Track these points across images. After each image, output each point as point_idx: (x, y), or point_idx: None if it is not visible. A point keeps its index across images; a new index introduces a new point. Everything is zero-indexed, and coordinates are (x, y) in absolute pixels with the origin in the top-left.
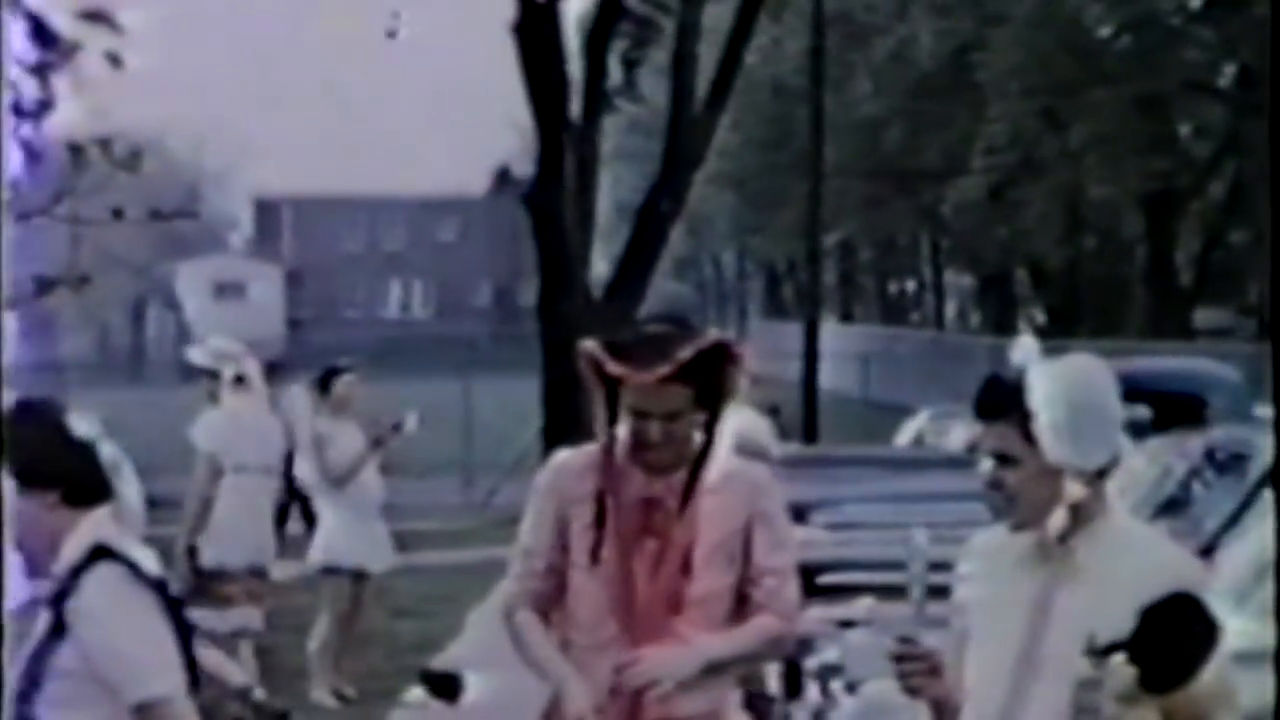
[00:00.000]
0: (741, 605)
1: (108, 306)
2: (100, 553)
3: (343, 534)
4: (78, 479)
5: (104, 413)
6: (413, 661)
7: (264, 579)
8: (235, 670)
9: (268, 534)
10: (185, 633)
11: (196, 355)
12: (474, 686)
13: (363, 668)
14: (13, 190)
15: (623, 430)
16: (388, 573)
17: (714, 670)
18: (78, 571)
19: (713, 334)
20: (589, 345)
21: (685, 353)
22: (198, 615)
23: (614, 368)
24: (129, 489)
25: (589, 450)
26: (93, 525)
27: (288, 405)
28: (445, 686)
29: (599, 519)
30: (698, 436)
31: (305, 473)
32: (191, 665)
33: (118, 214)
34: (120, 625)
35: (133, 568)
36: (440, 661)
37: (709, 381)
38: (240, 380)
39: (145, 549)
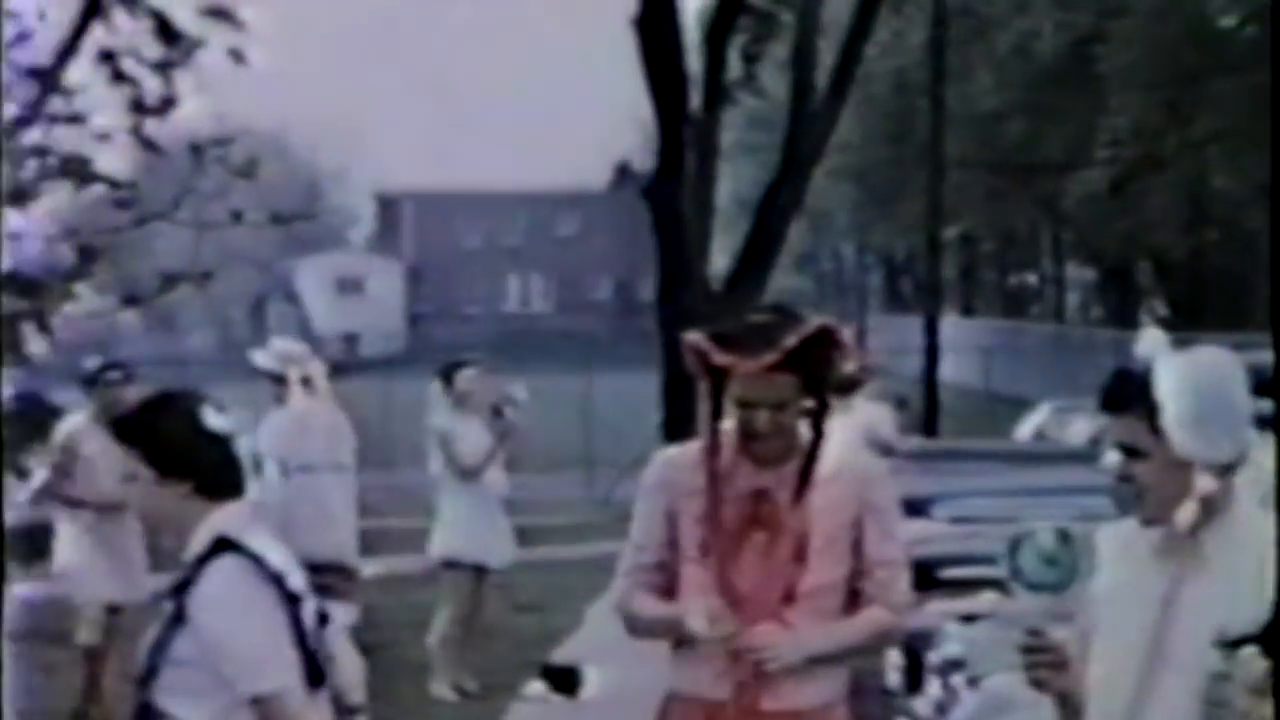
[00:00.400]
0: (853, 598)
1: (229, 303)
2: (223, 545)
3: (463, 528)
4: (210, 471)
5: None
6: (534, 656)
7: (349, 576)
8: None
9: (346, 531)
10: (304, 629)
11: (260, 359)
12: (594, 680)
13: (484, 662)
14: (134, 191)
15: (730, 423)
16: (509, 567)
17: (824, 661)
18: (201, 562)
19: (817, 320)
20: (694, 337)
21: (791, 340)
22: None
23: (720, 358)
24: (267, 483)
25: (697, 445)
26: (222, 517)
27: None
28: (566, 680)
29: (709, 512)
30: (805, 428)
31: (434, 467)
32: (312, 660)
33: (237, 217)
34: (237, 618)
35: (256, 561)
36: (561, 656)
37: (815, 369)
38: (306, 382)
39: (276, 543)
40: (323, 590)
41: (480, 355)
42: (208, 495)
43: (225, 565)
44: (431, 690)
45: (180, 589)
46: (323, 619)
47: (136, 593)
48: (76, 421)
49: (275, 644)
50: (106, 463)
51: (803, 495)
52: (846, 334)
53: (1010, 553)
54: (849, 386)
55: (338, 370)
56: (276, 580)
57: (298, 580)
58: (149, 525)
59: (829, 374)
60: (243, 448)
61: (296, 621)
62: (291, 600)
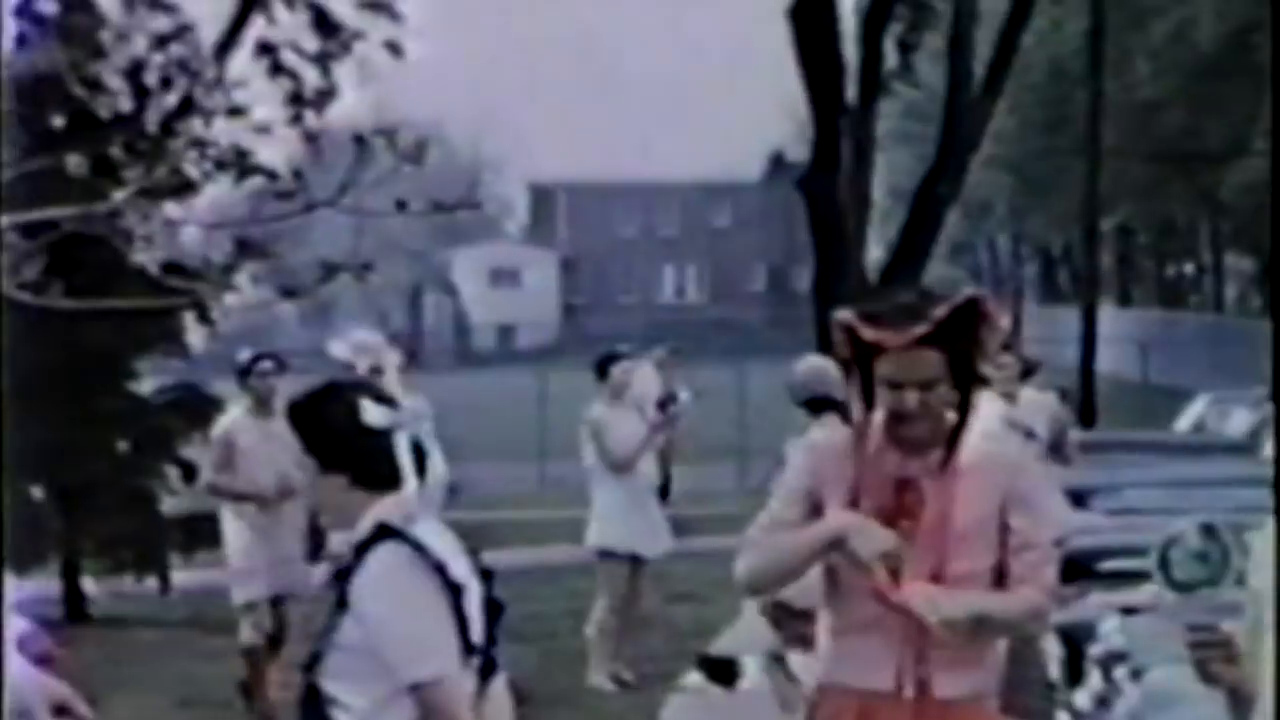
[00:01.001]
0: (999, 582)
1: (386, 293)
2: (384, 532)
3: (618, 519)
4: (367, 464)
5: None
6: (690, 646)
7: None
8: None
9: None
10: (466, 617)
11: (336, 348)
12: (752, 672)
13: (641, 652)
14: (299, 183)
15: (878, 413)
16: (665, 557)
17: (979, 645)
18: (362, 550)
19: (966, 291)
20: (843, 314)
21: (940, 311)
22: None
23: (868, 333)
24: (433, 473)
25: (845, 432)
26: (383, 508)
27: (637, 382)
28: (723, 671)
29: (855, 499)
30: (951, 417)
31: (587, 458)
32: (470, 647)
33: (401, 206)
34: (396, 605)
35: (418, 549)
36: (718, 646)
37: (964, 346)
38: (376, 371)
39: (442, 532)
40: None
41: (635, 348)
42: (367, 486)
43: (385, 553)
44: (589, 679)
45: (343, 575)
46: (494, 608)
47: (300, 584)
48: (234, 414)
49: (435, 631)
50: (262, 455)
51: (948, 483)
52: (995, 307)
53: (1161, 558)
54: (1026, 373)
55: (489, 361)
56: (439, 569)
57: (461, 569)
58: (319, 512)
59: (977, 352)
60: (405, 439)
61: (458, 610)
62: (454, 589)
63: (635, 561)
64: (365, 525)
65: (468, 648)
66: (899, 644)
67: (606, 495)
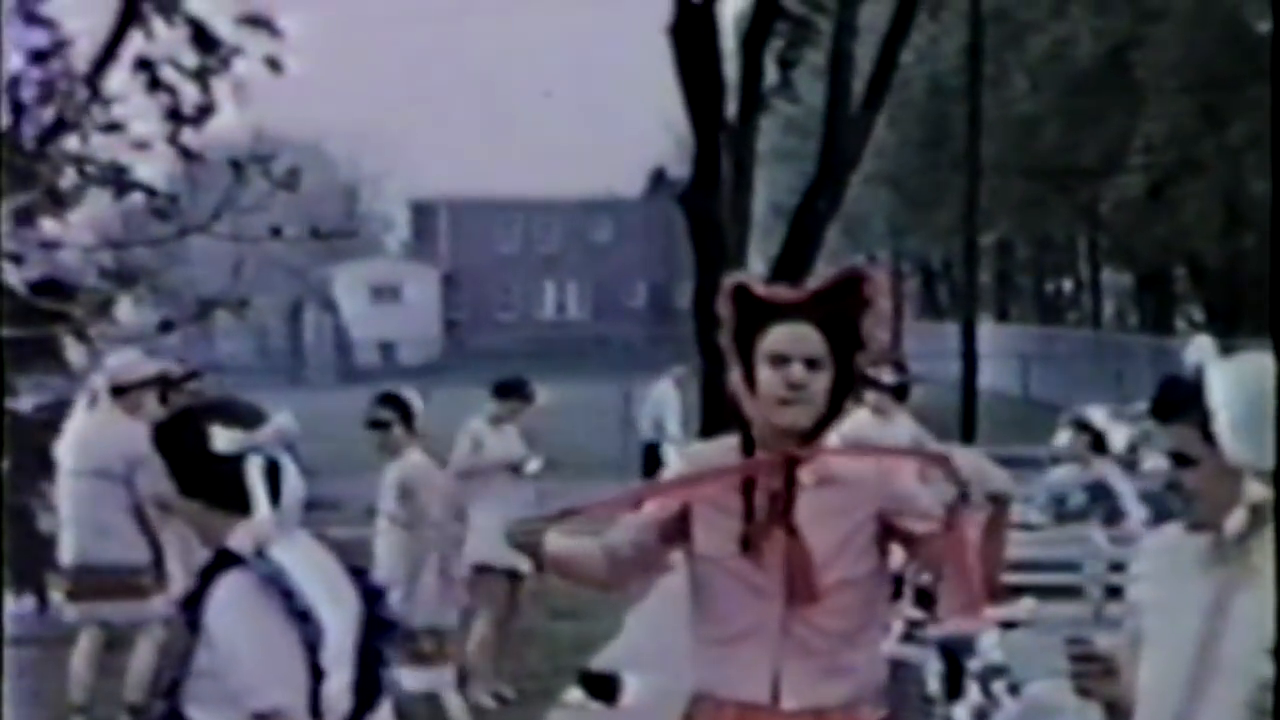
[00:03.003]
0: (882, 589)
1: (265, 310)
2: (226, 559)
3: (493, 534)
4: (218, 488)
5: None
6: (572, 662)
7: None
8: None
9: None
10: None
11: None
12: (632, 687)
13: (521, 668)
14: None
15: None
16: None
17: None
18: (206, 575)
19: (851, 266)
20: (732, 277)
21: (825, 280)
22: None
23: (761, 288)
24: (290, 494)
25: (726, 443)
26: (242, 531)
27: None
28: (604, 687)
29: (748, 511)
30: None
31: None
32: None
33: (276, 232)
34: (239, 633)
35: (267, 576)
36: (599, 662)
37: (846, 326)
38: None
39: (310, 551)
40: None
41: (515, 364)
42: (224, 509)
43: (230, 579)
44: (469, 695)
45: (191, 601)
46: (381, 626)
47: None
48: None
49: (276, 662)
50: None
51: (819, 492)
52: (876, 288)
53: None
54: (901, 393)
55: (372, 377)
56: (286, 595)
57: (324, 591)
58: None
59: (860, 335)
60: (260, 461)
61: (308, 639)
62: (302, 617)
63: (513, 576)
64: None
65: (316, 675)
66: (773, 653)
67: (482, 511)
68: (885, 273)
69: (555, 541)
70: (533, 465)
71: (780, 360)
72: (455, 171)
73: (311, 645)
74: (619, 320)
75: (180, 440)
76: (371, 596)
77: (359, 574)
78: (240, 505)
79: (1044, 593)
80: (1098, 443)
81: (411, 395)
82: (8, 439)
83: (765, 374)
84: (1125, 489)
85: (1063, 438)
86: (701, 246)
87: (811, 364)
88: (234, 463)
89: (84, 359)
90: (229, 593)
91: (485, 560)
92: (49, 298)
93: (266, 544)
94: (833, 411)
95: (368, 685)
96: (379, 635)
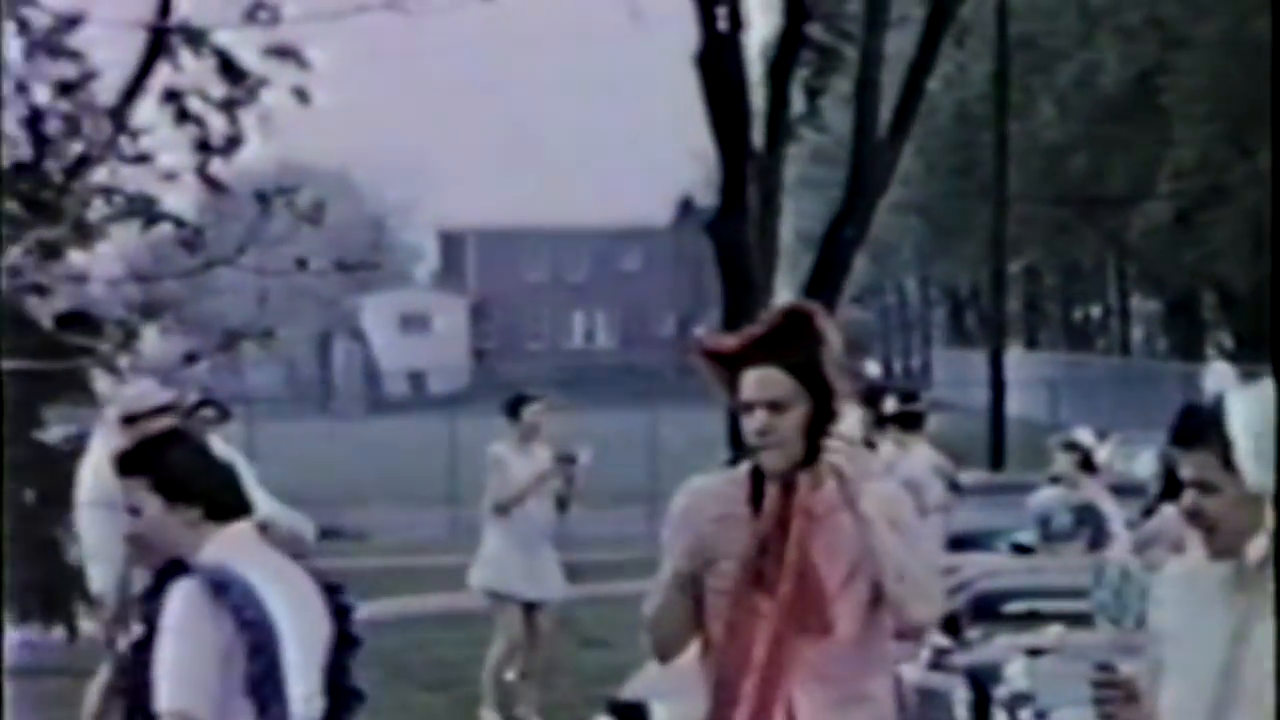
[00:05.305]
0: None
1: (295, 340)
2: (177, 567)
3: (504, 561)
4: (215, 496)
5: (292, 445)
6: (599, 691)
7: None
8: None
9: None
10: (273, 659)
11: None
12: (659, 717)
13: (549, 697)
14: (199, 236)
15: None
16: (573, 602)
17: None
18: (160, 579)
19: (790, 302)
20: (699, 338)
21: (757, 329)
22: None
23: (711, 342)
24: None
25: (732, 474)
26: (227, 540)
27: None
28: (631, 716)
29: (762, 541)
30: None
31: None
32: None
33: (302, 264)
34: (171, 633)
35: (216, 584)
36: (626, 691)
37: (803, 364)
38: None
39: (282, 571)
40: None
41: (544, 392)
42: (216, 519)
43: (180, 586)
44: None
45: (146, 599)
46: (348, 642)
47: None
48: None
49: (196, 668)
50: None
51: (819, 523)
52: (823, 319)
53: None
54: (913, 422)
55: (400, 407)
56: (235, 609)
57: (285, 608)
58: (153, 552)
59: (819, 372)
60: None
61: (256, 648)
62: (249, 625)
63: (530, 605)
64: (209, 556)
65: (272, 687)
66: (785, 682)
67: (495, 536)
68: (819, 306)
69: (648, 604)
70: (584, 456)
71: (747, 407)
72: (483, 201)
73: (258, 649)
74: (647, 349)
75: (182, 448)
76: (342, 613)
77: (333, 591)
78: (233, 514)
79: (1070, 620)
80: (1086, 463)
81: None
82: (37, 471)
83: (743, 420)
84: (1112, 511)
85: (1062, 461)
86: (729, 275)
87: (775, 407)
88: (227, 472)
89: (113, 391)
90: (176, 597)
91: (488, 585)
92: (75, 330)
93: (238, 556)
94: (811, 449)
95: (337, 697)
96: (348, 650)
